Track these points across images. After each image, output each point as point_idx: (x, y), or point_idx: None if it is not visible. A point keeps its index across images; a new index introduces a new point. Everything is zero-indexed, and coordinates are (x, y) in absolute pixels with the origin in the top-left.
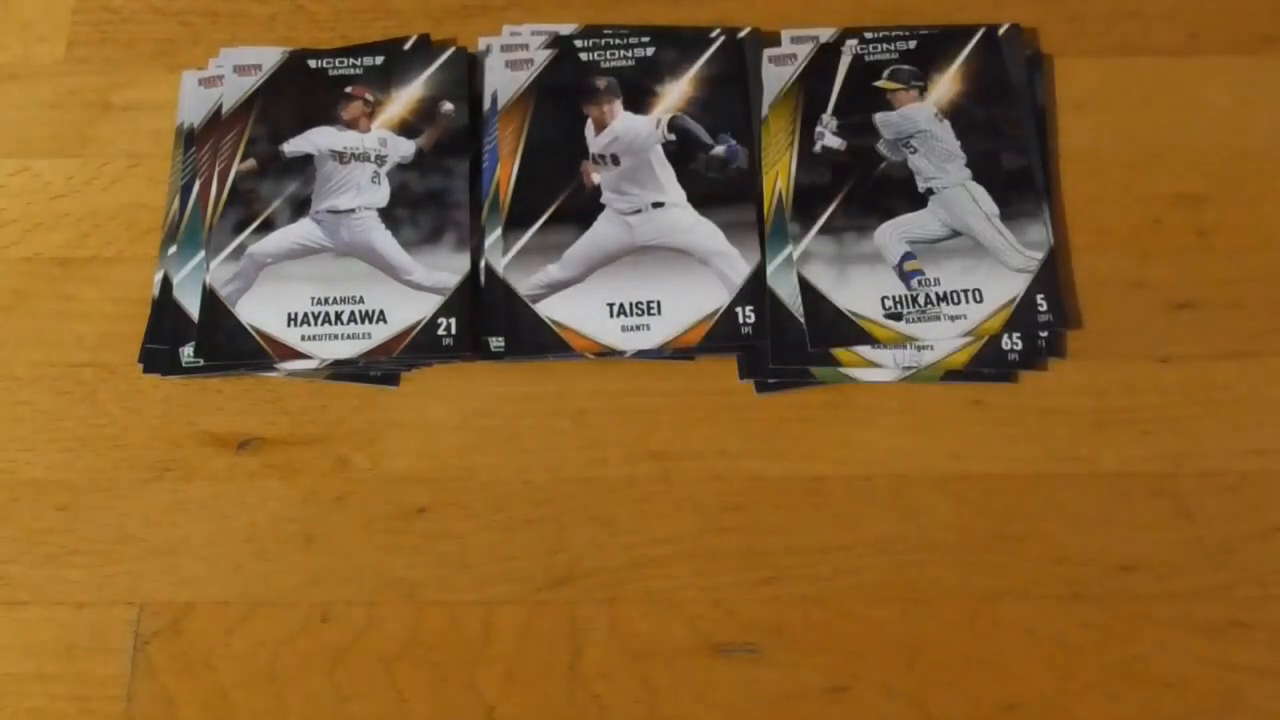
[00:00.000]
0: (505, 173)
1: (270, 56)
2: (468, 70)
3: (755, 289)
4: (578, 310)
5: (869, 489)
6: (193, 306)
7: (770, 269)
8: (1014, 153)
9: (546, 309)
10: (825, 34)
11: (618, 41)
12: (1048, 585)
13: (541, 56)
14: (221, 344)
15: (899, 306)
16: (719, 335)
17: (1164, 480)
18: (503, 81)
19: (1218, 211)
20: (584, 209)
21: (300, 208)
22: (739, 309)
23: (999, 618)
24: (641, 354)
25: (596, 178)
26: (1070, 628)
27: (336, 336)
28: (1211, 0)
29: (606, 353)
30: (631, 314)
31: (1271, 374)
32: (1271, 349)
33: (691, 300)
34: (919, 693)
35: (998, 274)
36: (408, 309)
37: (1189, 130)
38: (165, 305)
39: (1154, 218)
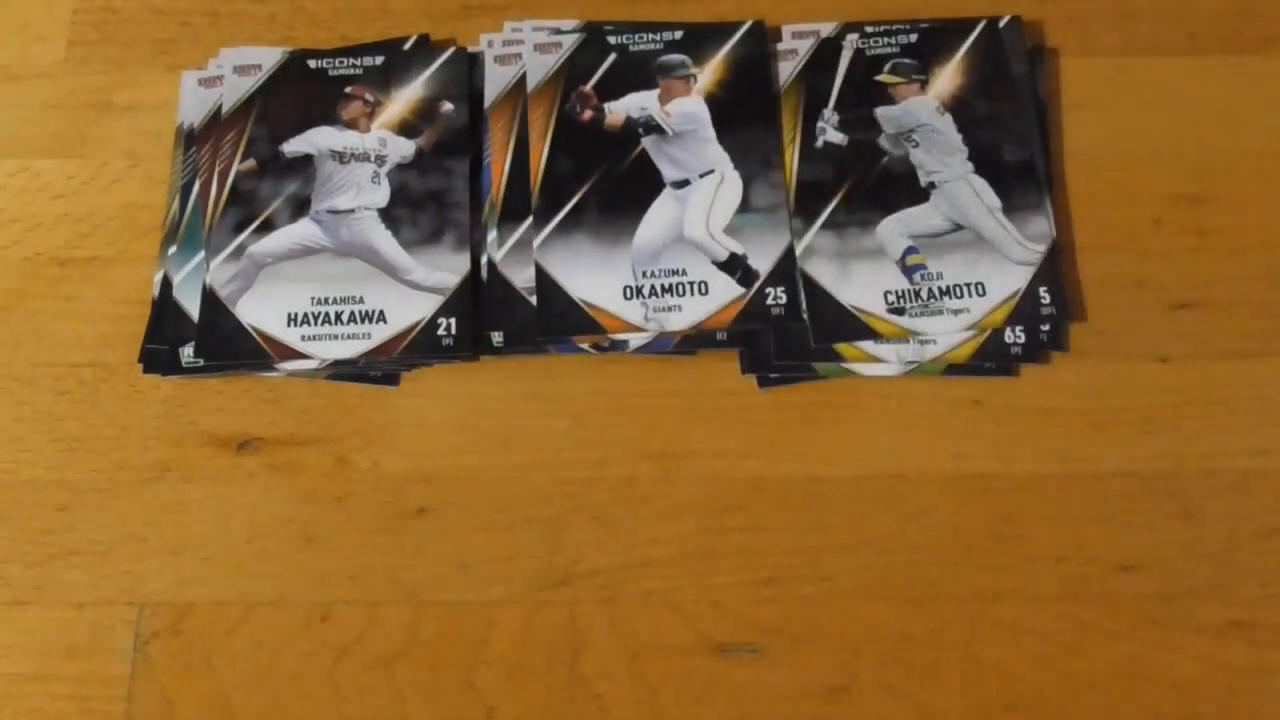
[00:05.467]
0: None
1: (270, 56)
2: (468, 70)
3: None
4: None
5: (869, 489)
6: (193, 306)
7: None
8: (1016, 145)
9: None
10: (826, 28)
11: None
12: (1048, 585)
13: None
14: (221, 344)
15: (902, 301)
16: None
17: (1164, 480)
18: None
19: (1218, 211)
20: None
21: (300, 208)
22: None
23: (999, 618)
24: (643, 349)
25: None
26: (1070, 628)
27: (336, 336)
28: (1211, 0)
29: (609, 347)
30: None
31: (1271, 374)
32: (1271, 349)
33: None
34: (919, 693)
35: (1000, 267)
36: (408, 309)
37: (1189, 130)
38: (165, 305)
39: (1154, 218)
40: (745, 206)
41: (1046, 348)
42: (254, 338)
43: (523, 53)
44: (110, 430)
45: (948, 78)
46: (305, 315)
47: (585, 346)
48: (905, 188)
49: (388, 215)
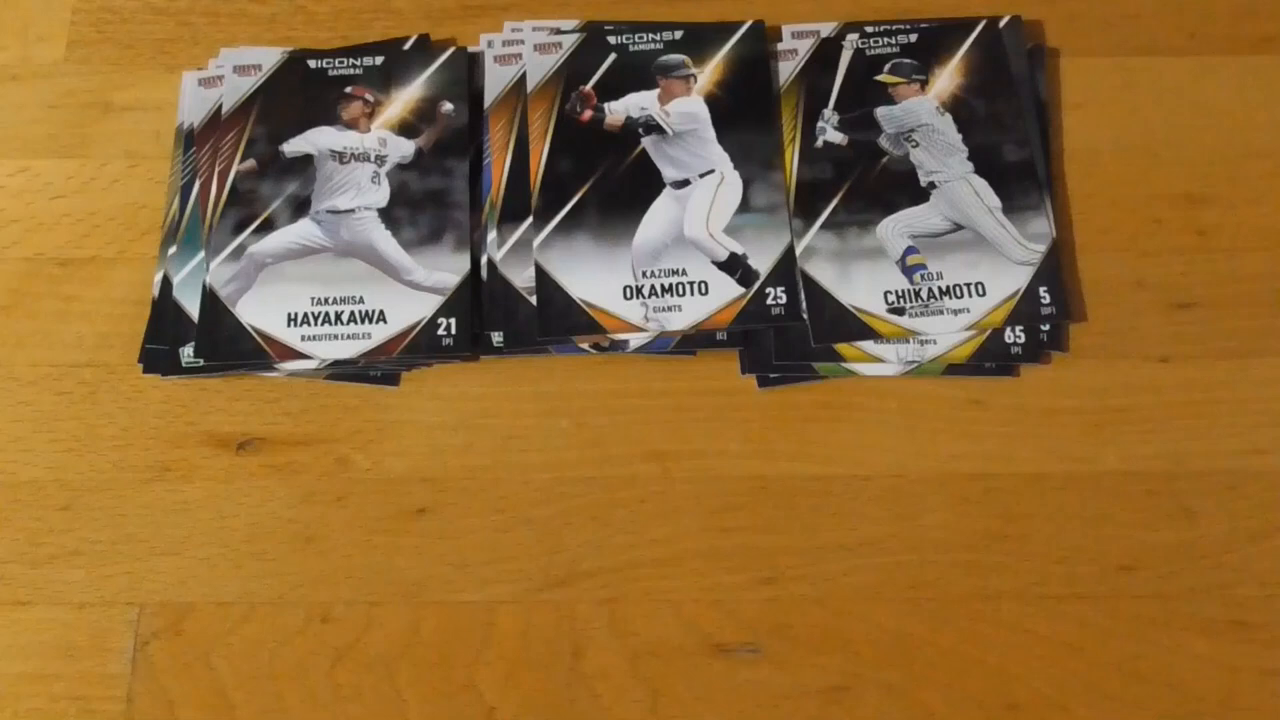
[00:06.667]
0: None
1: (270, 56)
2: (467, 70)
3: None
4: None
5: (869, 489)
6: (193, 306)
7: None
8: (1015, 145)
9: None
10: (826, 28)
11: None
12: (1048, 585)
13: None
14: (221, 344)
15: (902, 301)
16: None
17: (1164, 480)
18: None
19: (1218, 211)
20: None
21: (300, 208)
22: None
23: (999, 618)
24: (643, 349)
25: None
26: (1070, 628)
27: (336, 336)
28: (1211, 0)
29: (609, 347)
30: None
31: (1271, 374)
32: (1271, 349)
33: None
34: (919, 693)
35: (1000, 267)
36: (408, 309)
37: (1189, 130)
38: (165, 305)
39: (1154, 218)
40: (745, 206)
41: (1046, 348)
42: (254, 338)
43: (523, 53)
44: (110, 430)
45: (948, 77)
46: (305, 315)
47: (585, 346)
48: (905, 188)
49: (388, 215)
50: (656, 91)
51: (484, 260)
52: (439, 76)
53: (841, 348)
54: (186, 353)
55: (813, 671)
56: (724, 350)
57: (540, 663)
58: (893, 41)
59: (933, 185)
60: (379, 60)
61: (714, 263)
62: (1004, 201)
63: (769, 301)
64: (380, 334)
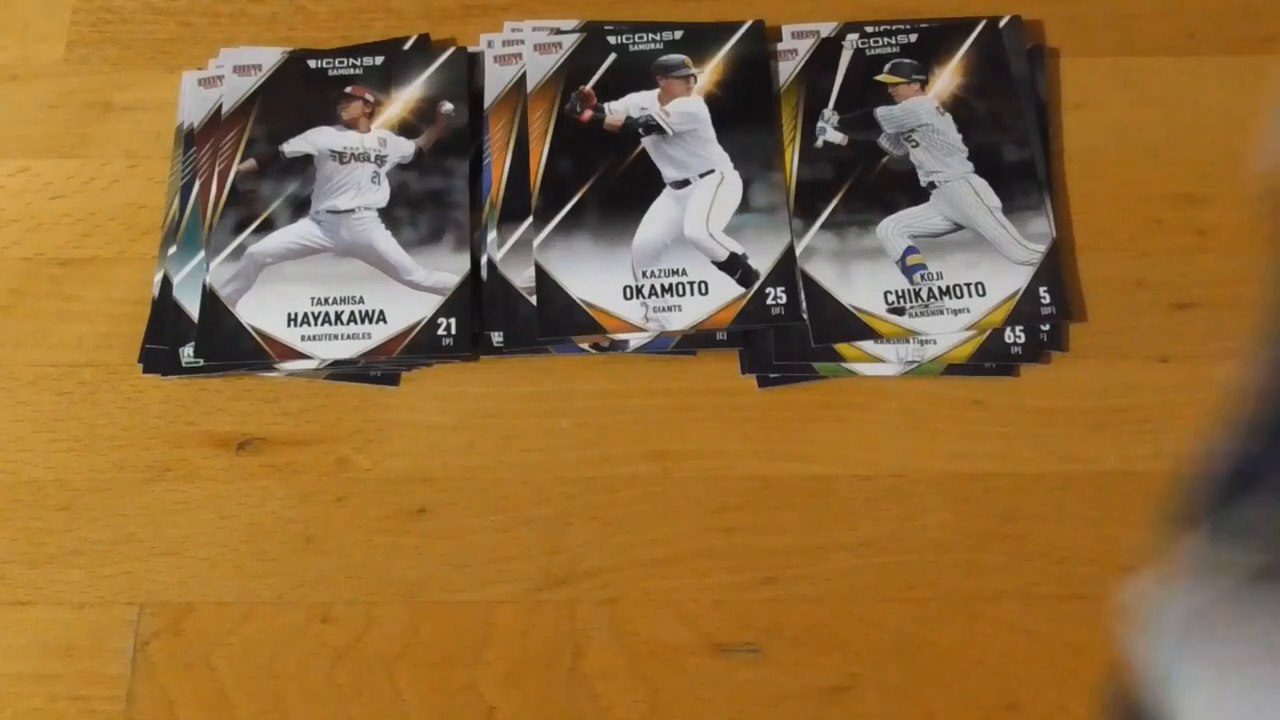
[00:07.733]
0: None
1: (270, 56)
2: (467, 70)
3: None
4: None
5: (869, 489)
6: (193, 306)
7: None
8: (1015, 145)
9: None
10: (826, 28)
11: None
12: (1048, 585)
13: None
14: (221, 344)
15: (902, 301)
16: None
17: (1164, 480)
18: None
19: (1218, 211)
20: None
21: (300, 208)
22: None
23: (999, 618)
24: (642, 349)
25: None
26: (1070, 628)
27: (336, 336)
28: (1211, 0)
29: (609, 347)
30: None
31: None
32: None
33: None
34: (919, 693)
35: (1000, 267)
36: (408, 309)
37: (1189, 130)
38: (165, 305)
39: (1154, 218)
40: (745, 206)
41: (1046, 348)
42: (254, 338)
43: (523, 53)
44: (110, 430)
45: (947, 78)
46: (305, 315)
47: (585, 346)
48: (905, 188)
49: (388, 215)
50: (656, 91)
51: (484, 260)
52: (439, 76)
53: (841, 348)
54: (186, 353)
55: (813, 671)
56: (724, 350)
57: (540, 663)
58: (893, 41)
59: (933, 185)
60: (379, 60)
61: (714, 263)
62: (1004, 201)
63: (769, 301)
64: (380, 334)
